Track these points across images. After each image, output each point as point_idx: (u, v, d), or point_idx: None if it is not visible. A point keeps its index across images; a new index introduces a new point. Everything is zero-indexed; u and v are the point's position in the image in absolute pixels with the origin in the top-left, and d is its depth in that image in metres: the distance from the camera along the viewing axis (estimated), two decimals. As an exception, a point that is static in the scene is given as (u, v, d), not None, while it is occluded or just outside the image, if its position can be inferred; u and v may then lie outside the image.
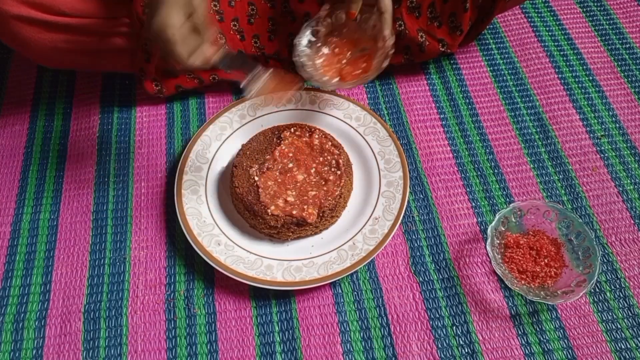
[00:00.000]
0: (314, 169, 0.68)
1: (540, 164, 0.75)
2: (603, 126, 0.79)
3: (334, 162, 0.68)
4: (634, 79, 0.84)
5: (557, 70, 0.85)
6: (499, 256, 0.65)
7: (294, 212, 0.64)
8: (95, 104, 0.83)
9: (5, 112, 0.83)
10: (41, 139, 0.80)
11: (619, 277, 0.65)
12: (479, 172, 0.74)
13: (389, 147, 0.73)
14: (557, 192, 0.73)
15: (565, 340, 0.61)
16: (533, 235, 0.66)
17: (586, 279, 0.60)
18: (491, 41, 0.89)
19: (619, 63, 0.86)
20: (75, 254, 0.69)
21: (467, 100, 0.82)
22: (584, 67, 0.85)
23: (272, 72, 0.63)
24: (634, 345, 0.61)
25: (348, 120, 0.76)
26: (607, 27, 0.90)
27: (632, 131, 0.78)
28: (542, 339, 0.61)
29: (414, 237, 0.69)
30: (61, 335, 0.63)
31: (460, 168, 0.75)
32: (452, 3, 0.75)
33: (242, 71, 0.62)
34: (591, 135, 0.78)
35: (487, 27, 0.85)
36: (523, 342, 0.61)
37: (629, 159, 0.75)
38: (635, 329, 0.62)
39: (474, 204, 0.72)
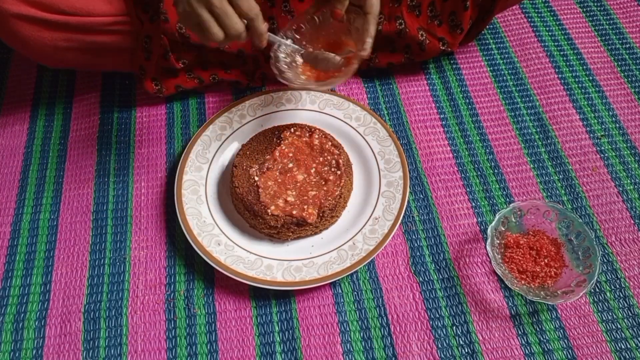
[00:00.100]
0: (314, 169, 0.68)
1: (540, 164, 0.75)
2: (603, 126, 0.79)
3: (334, 162, 0.68)
4: (634, 79, 0.84)
5: (557, 70, 0.85)
6: (499, 256, 0.65)
7: (294, 212, 0.64)
8: (95, 104, 0.83)
9: (5, 112, 0.83)
10: (41, 139, 0.80)
11: (619, 277, 0.65)
12: (479, 172, 0.74)
13: (389, 147, 0.73)
14: (557, 192, 0.73)
15: (565, 340, 0.61)
16: (533, 235, 0.66)
17: (586, 279, 0.60)
18: (491, 41, 0.89)
19: (619, 63, 0.86)
20: (75, 254, 0.69)
21: (467, 100, 0.82)
22: (584, 67, 0.85)
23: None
24: (634, 345, 0.61)
25: (348, 120, 0.76)
26: (607, 27, 0.90)
27: (632, 131, 0.78)
28: (542, 339, 0.61)
29: (414, 237, 0.69)
30: (61, 335, 0.63)
31: (460, 168, 0.75)
32: (453, 2, 0.75)
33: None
34: (591, 135, 0.78)
35: (487, 26, 0.85)
36: (523, 342, 0.61)
37: (629, 159, 0.75)
38: (635, 329, 0.62)
39: (474, 204, 0.72)
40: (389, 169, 0.71)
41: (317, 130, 0.72)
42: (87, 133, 0.80)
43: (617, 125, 0.79)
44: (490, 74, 0.85)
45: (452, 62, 0.86)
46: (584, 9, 0.92)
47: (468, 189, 0.73)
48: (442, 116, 0.80)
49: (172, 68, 0.75)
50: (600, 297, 0.64)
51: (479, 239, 0.69)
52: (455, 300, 0.64)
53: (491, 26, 0.91)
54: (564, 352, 0.61)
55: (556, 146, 0.77)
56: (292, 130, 0.71)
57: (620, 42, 0.88)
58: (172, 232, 0.70)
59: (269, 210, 0.64)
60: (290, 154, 0.69)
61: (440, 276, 0.66)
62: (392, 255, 0.67)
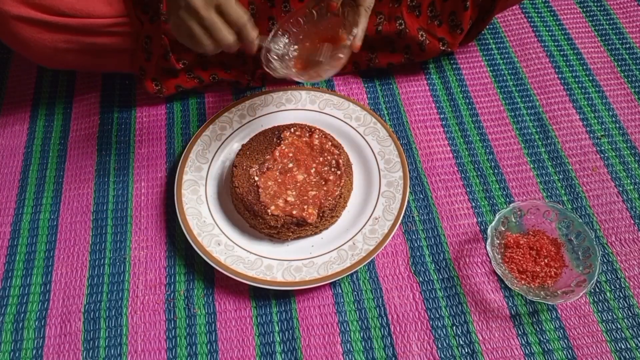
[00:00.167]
0: (314, 169, 0.68)
1: (540, 164, 0.75)
2: (603, 126, 0.79)
3: (334, 162, 0.68)
4: (634, 79, 0.84)
5: (557, 70, 0.85)
6: (499, 256, 0.65)
7: (294, 212, 0.64)
8: (95, 104, 0.83)
9: (5, 112, 0.83)
10: (41, 139, 0.80)
11: (619, 277, 0.65)
12: (479, 172, 0.74)
13: (389, 147, 0.73)
14: (557, 192, 0.73)
15: (565, 340, 0.61)
16: (533, 235, 0.66)
17: (586, 279, 0.60)
18: (491, 41, 0.89)
19: (619, 63, 0.86)
20: (75, 254, 0.69)
21: (467, 100, 0.82)
22: (584, 67, 0.85)
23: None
24: (634, 345, 0.61)
25: (348, 120, 0.76)
26: (607, 27, 0.90)
27: (632, 131, 0.78)
28: (542, 339, 0.61)
29: (414, 237, 0.69)
30: (61, 335, 0.63)
31: (460, 168, 0.75)
32: (453, 2, 0.75)
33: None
34: (591, 135, 0.78)
35: (487, 26, 0.85)
36: (523, 342, 0.61)
37: (629, 159, 0.75)
38: (635, 329, 0.62)
39: (474, 204, 0.72)
40: (389, 169, 0.71)
41: (317, 130, 0.72)
42: (87, 133, 0.80)
43: (617, 125, 0.79)
44: (490, 74, 0.85)
45: (452, 62, 0.86)
46: (584, 9, 0.92)
47: (468, 189, 0.73)
48: (442, 116, 0.80)
49: (172, 68, 0.75)
50: (600, 297, 0.64)
51: (479, 239, 0.69)
52: (455, 300, 0.64)
53: (491, 26, 0.91)
54: (564, 352, 0.61)
55: (556, 146, 0.77)
56: (292, 130, 0.71)
57: (620, 42, 0.88)
58: (172, 232, 0.70)
59: (269, 210, 0.64)
60: (290, 154, 0.69)
61: (440, 276, 0.66)
62: (392, 255, 0.67)
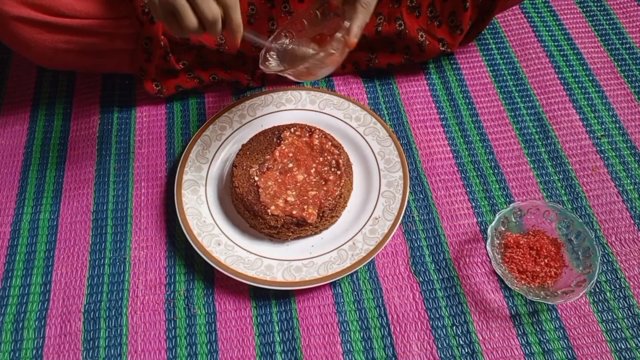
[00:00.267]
0: (314, 169, 0.68)
1: (540, 164, 0.75)
2: (603, 126, 0.79)
3: (334, 162, 0.68)
4: (634, 79, 0.84)
5: (557, 70, 0.85)
6: (499, 256, 0.65)
7: (294, 212, 0.64)
8: (95, 104, 0.83)
9: (5, 112, 0.83)
10: (41, 139, 0.80)
11: (619, 277, 0.65)
12: (479, 172, 0.74)
13: (389, 147, 0.73)
14: (557, 192, 0.73)
15: (565, 340, 0.61)
16: (533, 235, 0.66)
17: (586, 279, 0.60)
18: (491, 41, 0.89)
19: (619, 63, 0.86)
20: (75, 254, 0.69)
21: (467, 100, 0.82)
22: (584, 67, 0.85)
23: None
24: (634, 345, 0.61)
25: (348, 120, 0.76)
26: (607, 27, 0.90)
27: (632, 131, 0.78)
28: (542, 339, 0.61)
29: (414, 237, 0.69)
30: (61, 335, 0.63)
31: (460, 168, 0.75)
32: (452, 2, 0.75)
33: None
34: (591, 135, 0.78)
35: (487, 26, 0.85)
36: (523, 342, 0.61)
37: (629, 159, 0.75)
38: (635, 329, 0.62)
39: (474, 204, 0.72)
40: (389, 169, 0.71)
41: (317, 130, 0.72)
42: (87, 133, 0.80)
43: (617, 125, 0.79)
44: (490, 74, 0.85)
45: (452, 62, 0.86)
46: (584, 9, 0.92)
47: (468, 189, 0.73)
48: (442, 116, 0.80)
49: (172, 69, 0.76)
50: (600, 297, 0.64)
51: (479, 239, 0.69)
52: (455, 300, 0.64)
53: (491, 26, 0.91)
54: (564, 352, 0.61)
55: (556, 146, 0.77)
56: (292, 130, 0.71)
57: (620, 42, 0.88)
58: (172, 232, 0.70)
59: (269, 210, 0.64)
60: (290, 154, 0.69)
61: (440, 276, 0.66)
62: (392, 255, 0.67)
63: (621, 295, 0.64)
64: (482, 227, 0.70)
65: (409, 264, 0.67)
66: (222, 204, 0.70)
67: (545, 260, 0.63)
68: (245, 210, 0.67)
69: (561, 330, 0.62)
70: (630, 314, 0.63)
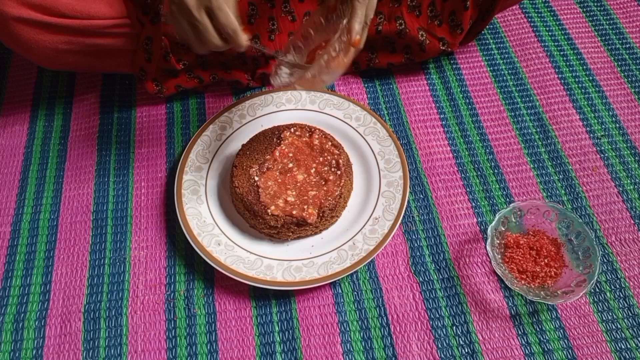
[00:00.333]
0: (314, 169, 0.68)
1: (540, 164, 0.75)
2: (603, 126, 0.79)
3: (334, 162, 0.68)
4: (634, 79, 0.84)
5: (557, 70, 0.85)
6: (499, 256, 0.65)
7: (294, 212, 0.64)
8: (95, 104, 0.83)
9: (5, 112, 0.83)
10: (41, 139, 0.80)
11: (619, 277, 0.65)
12: (479, 172, 0.74)
13: (389, 147, 0.73)
14: (557, 192, 0.73)
15: (565, 340, 0.61)
16: (533, 235, 0.66)
17: (586, 279, 0.60)
18: (491, 41, 0.89)
19: (619, 63, 0.86)
20: (75, 254, 0.69)
21: (467, 100, 0.82)
22: (584, 67, 0.85)
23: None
24: (634, 345, 0.61)
25: (348, 120, 0.76)
26: (607, 27, 0.90)
27: (632, 131, 0.78)
28: (542, 339, 0.61)
29: (414, 237, 0.69)
30: (61, 335, 0.63)
31: (460, 168, 0.75)
32: (453, 2, 0.75)
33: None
34: (591, 135, 0.78)
35: (487, 26, 0.85)
36: (523, 342, 0.61)
37: (629, 159, 0.75)
38: (635, 329, 0.62)
39: (474, 204, 0.72)
40: (389, 169, 0.71)
41: (317, 130, 0.71)
42: (87, 133, 0.80)
43: (617, 125, 0.79)
44: (490, 74, 0.85)
45: (452, 62, 0.86)
46: (584, 9, 0.92)
47: (468, 189, 0.73)
48: (442, 116, 0.80)
49: (173, 69, 0.76)
50: (600, 297, 0.64)
51: (479, 239, 0.69)
52: (455, 300, 0.64)
53: (491, 26, 0.91)
54: (564, 352, 0.61)
55: (556, 146, 0.77)
56: (292, 130, 0.71)
57: (620, 42, 0.88)
58: (172, 232, 0.70)
59: (269, 210, 0.64)
60: (290, 154, 0.69)
61: (440, 276, 0.66)
62: (392, 255, 0.67)
63: (621, 295, 0.64)
64: (482, 227, 0.70)
65: (409, 264, 0.67)
66: (222, 204, 0.70)
67: (545, 260, 0.63)
68: (245, 210, 0.67)
69: (561, 330, 0.62)
70: (630, 314, 0.63)
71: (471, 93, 0.83)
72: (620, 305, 0.63)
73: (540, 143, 0.77)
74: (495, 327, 0.62)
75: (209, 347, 0.62)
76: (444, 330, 0.62)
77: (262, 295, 0.65)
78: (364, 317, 0.63)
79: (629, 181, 0.73)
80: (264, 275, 0.63)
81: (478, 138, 0.78)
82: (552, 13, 0.92)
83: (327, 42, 0.62)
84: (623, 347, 0.61)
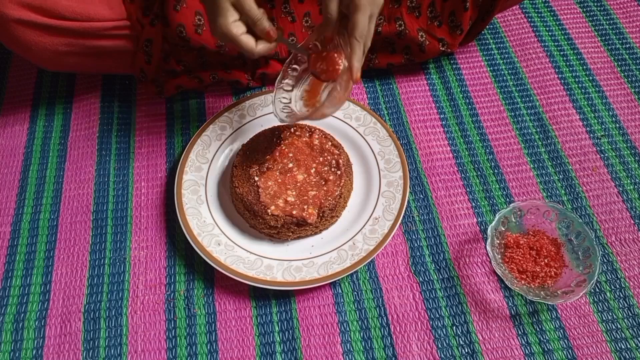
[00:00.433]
0: (314, 169, 0.68)
1: (540, 164, 0.75)
2: (603, 126, 0.79)
3: (334, 162, 0.68)
4: (634, 79, 0.84)
5: (557, 70, 0.85)
6: (499, 256, 0.65)
7: (294, 212, 0.64)
8: (95, 104, 0.83)
9: (5, 112, 0.83)
10: (41, 139, 0.80)
11: (619, 277, 0.65)
12: (479, 172, 0.74)
13: (389, 147, 0.73)
14: (557, 192, 0.73)
15: (565, 340, 0.61)
16: (533, 235, 0.66)
17: (586, 279, 0.60)
18: (491, 41, 0.89)
19: (619, 63, 0.86)
20: (75, 254, 0.69)
21: (467, 100, 0.82)
22: (584, 67, 0.85)
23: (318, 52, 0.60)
24: (634, 345, 0.61)
25: (348, 120, 0.76)
26: (607, 27, 0.90)
27: (632, 131, 0.78)
28: (542, 339, 0.61)
29: (414, 237, 0.69)
30: (61, 335, 0.63)
31: (460, 168, 0.75)
32: (452, 2, 0.75)
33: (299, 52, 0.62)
34: (591, 135, 0.78)
35: (487, 26, 0.85)
36: (523, 342, 0.61)
37: (629, 159, 0.75)
38: (635, 329, 0.62)
39: (474, 204, 0.72)
40: (389, 169, 0.71)
41: (317, 130, 0.72)
42: (87, 133, 0.80)
43: (617, 125, 0.79)
44: (490, 74, 0.85)
45: (452, 62, 0.86)
46: (584, 9, 0.92)
47: (468, 189, 0.73)
48: (442, 116, 0.80)
49: (173, 70, 0.76)
50: (600, 297, 0.64)
51: (479, 239, 0.69)
52: (455, 300, 0.64)
53: (491, 26, 0.91)
54: (564, 352, 0.61)
55: (556, 146, 0.77)
56: (292, 130, 0.71)
57: (620, 42, 0.88)
58: (172, 232, 0.70)
59: (269, 210, 0.64)
60: (290, 154, 0.69)
61: (440, 276, 0.66)
62: (392, 255, 0.67)
63: (621, 295, 0.64)
64: (482, 227, 0.70)
65: (409, 264, 0.67)
66: (222, 204, 0.70)
67: (545, 260, 0.63)
68: (245, 210, 0.67)
69: (561, 330, 0.62)
70: (630, 314, 0.63)
71: (471, 93, 0.83)
72: (620, 305, 0.63)
73: (540, 143, 0.77)
74: (495, 327, 0.62)
75: (209, 347, 0.62)
76: (444, 330, 0.62)
77: (262, 295, 0.65)
78: (364, 317, 0.63)
79: (629, 181, 0.73)
80: (264, 275, 0.63)
81: (478, 138, 0.78)
82: (552, 13, 0.92)
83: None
84: (623, 347, 0.61)
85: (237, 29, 0.55)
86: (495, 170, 0.75)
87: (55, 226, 0.71)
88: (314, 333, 0.62)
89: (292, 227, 0.65)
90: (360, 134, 0.75)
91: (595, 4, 0.93)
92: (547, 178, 0.74)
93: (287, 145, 0.70)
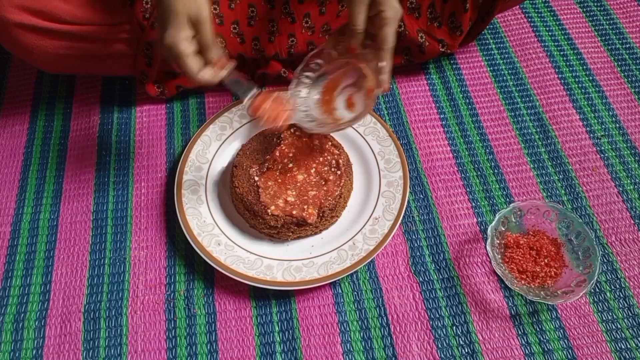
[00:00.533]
0: (314, 169, 0.68)
1: (540, 164, 0.75)
2: (603, 126, 0.79)
3: (334, 162, 0.68)
4: (634, 79, 0.84)
5: (557, 70, 0.85)
6: (499, 256, 0.65)
7: (294, 212, 0.64)
8: (95, 104, 0.83)
9: (5, 112, 0.83)
10: (41, 139, 0.80)
11: (619, 277, 0.65)
12: (479, 172, 0.74)
13: (389, 147, 0.73)
14: (557, 192, 0.73)
15: (565, 340, 0.61)
16: (533, 235, 0.66)
17: (586, 279, 0.60)
18: (491, 41, 0.89)
19: (619, 63, 0.86)
20: (75, 254, 0.69)
21: (467, 100, 0.82)
22: (584, 67, 0.85)
23: (264, 93, 0.62)
24: (634, 345, 0.61)
25: (348, 120, 0.76)
26: (607, 27, 0.90)
27: (632, 131, 0.78)
28: (542, 339, 0.61)
29: (414, 237, 0.69)
30: (61, 335, 0.63)
31: (460, 168, 0.75)
32: (452, 3, 0.75)
33: (241, 94, 0.62)
34: (591, 135, 0.78)
35: (487, 27, 0.85)
36: (523, 342, 0.61)
37: (629, 159, 0.75)
38: (635, 329, 0.62)
39: (474, 204, 0.72)
40: (389, 169, 0.71)
41: (317, 130, 0.71)
42: (87, 133, 0.80)
43: (617, 125, 0.79)
44: (490, 74, 0.85)
45: (452, 62, 0.86)
46: (584, 9, 0.92)
47: (468, 189, 0.73)
48: (442, 116, 0.80)
49: (173, 71, 0.76)
50: (600, 297, 0.64)
51: (479, 239, 0.69)
52: (455, 300, 0.64)
53: (491, 26, 0.91)
54: (564, 352, 0.61)
55: (556, 146, 0.77)
56: (292, 130, 0.71)
57: (620, 42, 0.88)
58: (172, 232, 0.70)
59: (269, 210, 0.64)
60: (290, 154, 0.69)
61: (440, 276, 0.66)
62: (392, 255, 0.67)
63: (621, 295, 0.64)
64: (482, 227, 0.70)
65: (409, 264, 0.67)
66: (222, 204, 0.70)
67: (545, 260, 0.63)
68: (245, 210, 0.67)
69: (561, 330, 0.62)
70: (630, 314, 0.63)
71: (471, 93, 0.83)
72: (620, 305, 0.63)
73: (540, 143, 0.77)
74: (495, 327, 0.62)
75: (209, 347, 0.62)
76: (444, 330, 0.62)
77: (262, 295, 0.65)
78: (364, 317, 0.63)
79: (629, 181, 0.73)
80: (264, 275, 0.63)
81: (478, 138, 0.78)
82: (552, 13, 0.92)
83: (340, 75, 0.65)
84: (623, 347, 0.61)
85: (186, 46, 0.53)
86: (495, 170, 0.75)
87: (55, 226, 0.71)
88: (314, 333, 0.62)
89: (292, 227, 0.65)
90: (360, 134, 0.75)
91: (595, 4, 0.93)
92: (547, 178, 0.74)
93: (287, 145, 0.70)
